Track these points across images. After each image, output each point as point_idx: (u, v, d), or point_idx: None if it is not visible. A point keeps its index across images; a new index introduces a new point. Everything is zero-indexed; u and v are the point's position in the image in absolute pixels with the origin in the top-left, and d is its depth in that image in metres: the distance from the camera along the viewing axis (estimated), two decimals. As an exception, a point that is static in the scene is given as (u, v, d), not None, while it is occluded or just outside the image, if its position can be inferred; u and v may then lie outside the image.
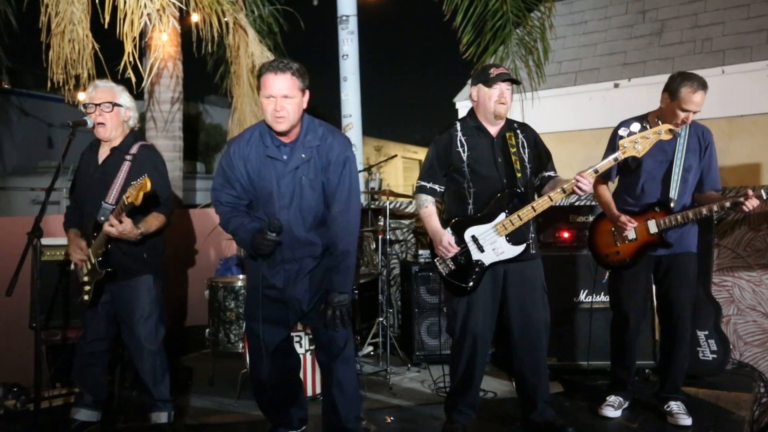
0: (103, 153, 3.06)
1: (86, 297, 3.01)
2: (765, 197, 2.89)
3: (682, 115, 2.97)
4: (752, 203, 2.86)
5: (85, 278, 3.01)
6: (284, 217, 2.58)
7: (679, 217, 3.02)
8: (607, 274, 3.34)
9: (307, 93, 2.57)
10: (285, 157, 2.58)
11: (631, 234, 3.11)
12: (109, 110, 2.97)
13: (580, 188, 2.68)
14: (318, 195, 2.62)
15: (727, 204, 2.91)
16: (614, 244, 3.20)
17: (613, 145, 3.16)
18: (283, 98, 2.47)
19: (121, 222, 2.74)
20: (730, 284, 4.17)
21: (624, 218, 3.08)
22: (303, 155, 2.57)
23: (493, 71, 2.89)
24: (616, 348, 3.31)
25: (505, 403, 3.50)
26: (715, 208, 2.95)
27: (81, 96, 4.32)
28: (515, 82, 2.93)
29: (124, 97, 3.04)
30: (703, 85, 2.93)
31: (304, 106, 2.58)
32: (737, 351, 4.13)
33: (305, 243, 2.65)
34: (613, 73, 7.27)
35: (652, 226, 3.08)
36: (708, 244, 3.89)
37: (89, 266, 2.97)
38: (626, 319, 3.19)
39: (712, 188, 3.14)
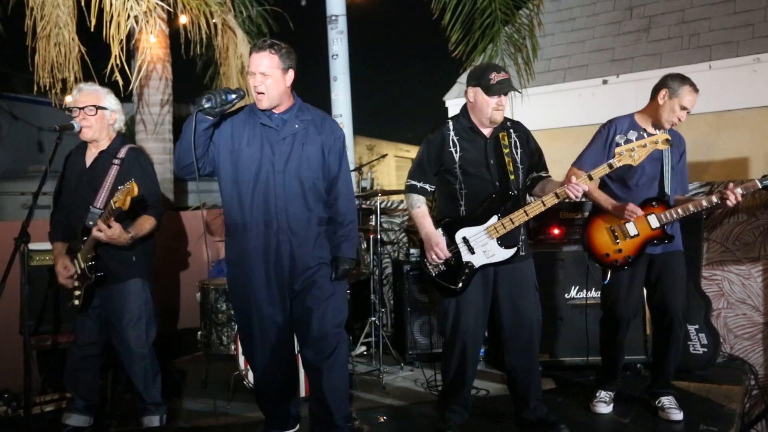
0: (91, 156, 3.04)
1: (77, 302, 2.99)
2: (741, 192, 2.93)
3: (679, 112, 3.00)
4: (735, 198, 2.89)
5: (76, 283, 2.99)
6: (278, 181, 2.62)
7: (680, 210, 2.99)
8: (609, 274, 3.17)
9: (291, 72, 2.63)
10: (277, 126, 2.66)
11: (632, 230, 3.05)
12: (92, 113, 2.96)
13: (574, 196, 2.70)
14: (317, 162, 2.69)
15: (714, 199, 2.95)
16: (614, 243, 3.10)
17: (598, 142, 3.17)
18: (261, 75, 2.55)
19: (109, 227, 2.73)
20: (719, 278, 4.19)
21: (631, 206, 2.97)
22: (296, 125, 2.68)
23: (494, 77, 2.79)
24: (607, 345, 3.30)
25: (497, 401, 3.50)
26: (704, 203, 2.98)
27: (69, 99, 4.30)
28: (516, 90, 2.88)
29: (109, 100, 3.02)
30: (697, 88, 3.02)
31: (288, 84, 2.64)
32: (727, 344, 4.16)
33: (300, 211, 2.66)
34: (601, 70, 7.29)
35: (654, 221, 3.03)
36: (697, 238, 3.91)
37: (79, 271, 2.96)
38: (619, 320, 3.17)
39: (683, 191, 3.24)
